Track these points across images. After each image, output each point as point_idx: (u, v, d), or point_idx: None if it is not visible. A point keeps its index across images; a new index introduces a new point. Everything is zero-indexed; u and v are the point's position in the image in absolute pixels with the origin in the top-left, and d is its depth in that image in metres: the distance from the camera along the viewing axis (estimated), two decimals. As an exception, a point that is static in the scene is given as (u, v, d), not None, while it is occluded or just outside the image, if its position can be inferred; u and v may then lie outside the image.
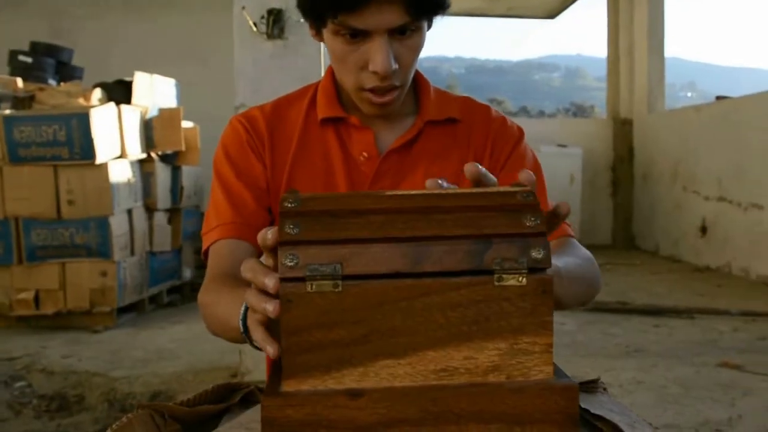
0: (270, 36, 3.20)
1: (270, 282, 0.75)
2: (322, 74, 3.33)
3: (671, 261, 7.45)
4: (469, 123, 1.23)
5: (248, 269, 0.79)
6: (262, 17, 3.18)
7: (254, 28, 3.18)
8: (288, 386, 0.75)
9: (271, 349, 0.77)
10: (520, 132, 1.25)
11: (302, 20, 3.33)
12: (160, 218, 5.21)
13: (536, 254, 0.76)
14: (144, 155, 4.96)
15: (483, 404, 0.75)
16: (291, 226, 0.75)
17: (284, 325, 0.74)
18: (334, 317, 0.74)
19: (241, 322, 0.91)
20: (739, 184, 6.48)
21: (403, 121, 1.22)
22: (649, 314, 4.79)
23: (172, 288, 5.51)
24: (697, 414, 2.85)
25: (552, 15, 10.55)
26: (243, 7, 3.15)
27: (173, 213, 5.43)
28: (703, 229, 7.05)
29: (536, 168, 1.22)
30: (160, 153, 5.11)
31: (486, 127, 1.23)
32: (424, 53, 1.16)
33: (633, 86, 8.89)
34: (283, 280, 0.74)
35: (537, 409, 0.76)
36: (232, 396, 0.91)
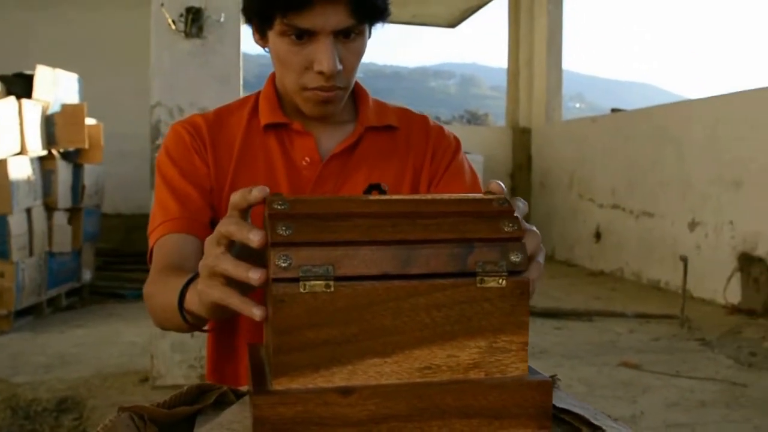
0: (188, 34, 3.16)
1: (256, 237, 0.75)
2: (240, 74, 3.33)
3: (567, 265, 7.75)
4: (407, 131, 1.28)
5: (232, 222, 0.78)
6: (181, 15, 3.14)
7: (172, 26, 3.12)
8: (278, 385, 0.76)
9: (257, 311, 0.77)
10: (457, 142, 1.31)
11: (221, 20, 3.29)
12: (60, 218, 5.02)
13: (515, 258, 0.80)
14: (45, 152, 4.77)
15: (466, 400, 0.78)
16: (284, 228, 0.76)
17: (276, 324, 0.75)
18: (325, 317, 0.76)
19: (178, 299, 0.92)
20: (631, 193, 6.81)
21: (343, 127, 1.25)
22: (550, 317, 4.98)
23: (71, 290, 5.32)
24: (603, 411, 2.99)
25: (453, 24, 10.82)
26: (162, 4, 3.09)
27: (74, 213, 5.25)
28: (598, 235, 7.37)
29: (473, 176, 1.28)
30: (61, 150, 4.93)
31: (425, 135, 1.28)
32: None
33: (531, 96, 9.21)
34: (275, 280, 0.75)
35: (515, 404, 0.80)
36: (203, 397, 0.90)
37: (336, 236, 0.77)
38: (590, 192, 7.54)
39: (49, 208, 4.88)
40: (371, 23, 1.15)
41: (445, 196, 0.86)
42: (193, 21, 3.13)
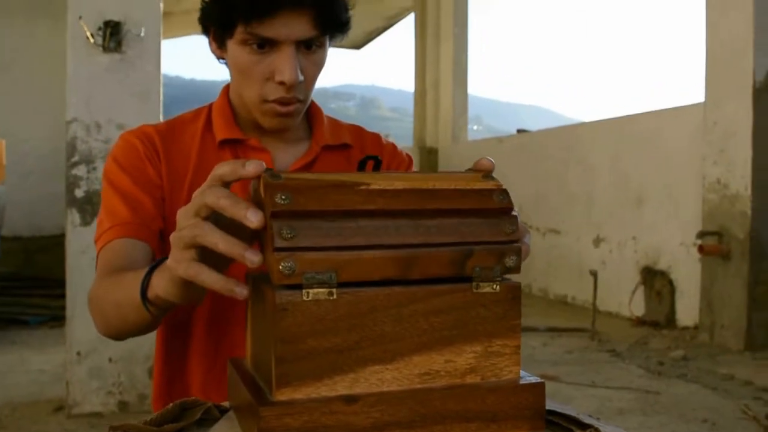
0: (106, 49, 3.07)
1: (255, 218, 0.70)
2: (161, 91, 3.25)
3: (476, 283, 7.89)
4: (361, 149, 1.29)
5: (224, 195, 0.72)
6: (99, 29, 3.04)
7: (90, 39, 3.03)
8: (281, 395, 0.74)
9: (239, 290, 0.74)
10: (410, 159, 1.33)
11: (141, 34, 3.21)
12: (-42, 241, 4.75)
13: (509, 262, 0.82)
14: (-58, 171, 4.52)
15: (466, 404, 0.79)
16: (287, 230, 0.73)
17: (279, 333, 0.73)
18: (327, 325, 0.75)
19: (141, 286, 0.87)
20: (538, 211, 7.01)
21: (298, 145, 1.25)
22: (466, 332, 5.04)
23: (-32, 317, 5.04)
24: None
25: (358, 45, 10.93)
26: (80, 17, 2.99)
27: (-28, 235, 4.98)
28: (506, 253, 7.54)
29: None
30: (-41, 169, 4.68)
31: (379, 153, 1.29)
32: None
33: (438, 117, 9.37)
34: (278, 287, 0.73)
35: (511, 406, 0.81)
36: (186, 414, 0.88)
37: (338, 240, 0.76)
38: (498, 210, 7.71)
39: (-54, 231, 4.62)
40: (332, 35, 1.15)
41: (446, 184, 0.83)
42: (112, 35, 3.04)
